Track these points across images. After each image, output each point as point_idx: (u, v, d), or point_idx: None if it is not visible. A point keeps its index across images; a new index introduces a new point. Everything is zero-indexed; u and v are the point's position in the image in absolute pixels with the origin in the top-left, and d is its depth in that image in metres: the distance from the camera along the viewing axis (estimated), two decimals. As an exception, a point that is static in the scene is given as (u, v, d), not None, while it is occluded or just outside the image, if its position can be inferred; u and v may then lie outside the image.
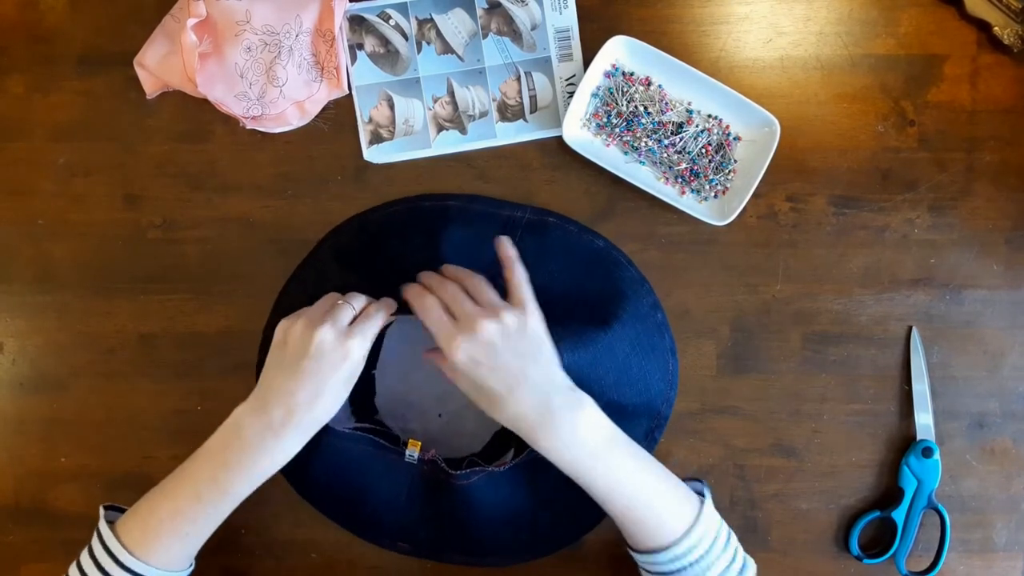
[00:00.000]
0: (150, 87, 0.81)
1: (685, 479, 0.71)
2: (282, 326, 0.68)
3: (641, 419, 0.79)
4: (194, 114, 0.82)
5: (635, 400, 0.78)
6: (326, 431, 0.72)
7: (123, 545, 0.67)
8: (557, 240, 0.80)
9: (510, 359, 0.65)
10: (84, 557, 0.70)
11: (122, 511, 0.72)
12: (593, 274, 0.80)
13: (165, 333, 0.82)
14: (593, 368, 0.74)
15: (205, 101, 0.81)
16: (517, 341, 0.65)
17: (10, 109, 0.82)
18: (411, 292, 0.69)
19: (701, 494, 0.70)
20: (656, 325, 0.81)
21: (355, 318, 0.69)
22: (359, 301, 0.70)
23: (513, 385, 0.65)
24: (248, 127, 0.80)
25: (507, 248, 0.70)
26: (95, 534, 0.70)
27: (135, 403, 0.83)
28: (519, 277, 0.68)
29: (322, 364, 0.65)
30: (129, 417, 0.83)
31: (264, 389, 0.68)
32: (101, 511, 0.72)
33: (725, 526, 0.70)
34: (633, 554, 0.70)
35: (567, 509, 0.77)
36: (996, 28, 0.79)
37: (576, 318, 0.76)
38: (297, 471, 0.78)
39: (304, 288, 0.81)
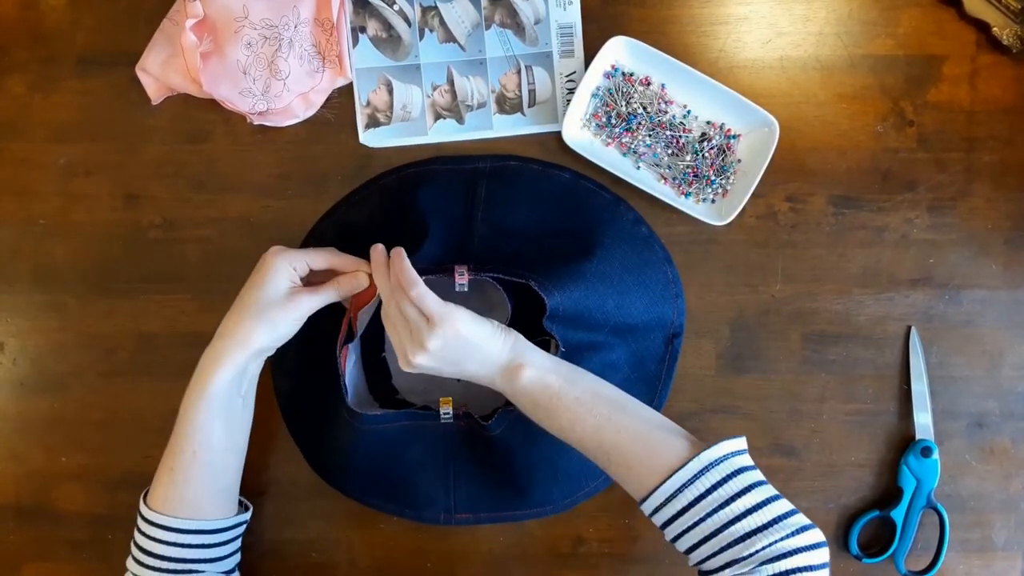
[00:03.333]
0: (155, 92, 0.81)
1: (725, 440, 0.64)
2: None
3: (655, 332, 0.80)
4: (194, 114, 0.82)
5: (644, 317, 0.79)
6: (359, 420, 0.74)
7: (145, 503, 0.72)
8: (524, 183, 0.80)
9: (451, 368, 0.70)
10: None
11: None
12: (566, 207, 0.80)
13: (165, 333, 0.82)
14: (590, 299, 0.75)
15: (205, 101, 0.81)
16: (445, 356, 0.68)
17: (11, 109, 0.82)
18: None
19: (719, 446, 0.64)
20: (643, 239, 0.81)
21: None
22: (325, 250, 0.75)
23: (465, 376, 0.71)
24: (255, 123, 0.81)
25: (393, 261, 0.70)
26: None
27: (135, 403, 0.83)
28: (418, 294, 0.67)
29: (251, 280, 0.72)
30: (130, 417, 0.83)
31: None
32: None
33: (747, 479, 0.62)
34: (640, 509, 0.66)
35: None
36: (995, 29, 0.79)
37: (559, 255, 0.76)
38: (342, 469, 0.79)
39: None
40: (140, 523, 0.72)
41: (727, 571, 0.59)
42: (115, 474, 0.83)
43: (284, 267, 0.71)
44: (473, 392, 0.76)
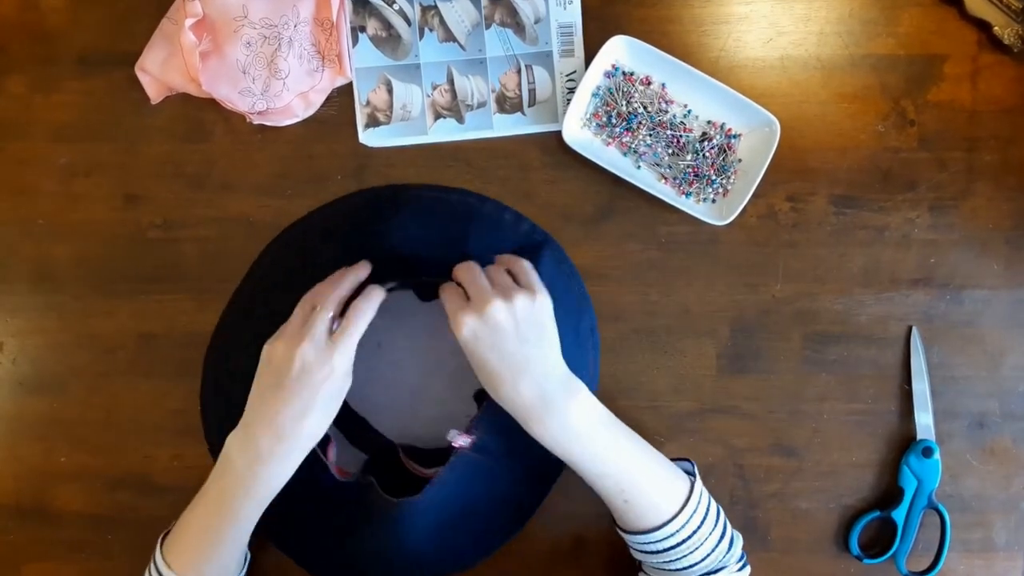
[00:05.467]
0: (154, 92, 0.81)
1: (673, 460, 0.72)
2: (266, 349, 0.66)
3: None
4: (194, 114, 0.82)
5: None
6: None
7: (166, 562, 0.69)
8: (420, 206, 0.80)
9: (514, 344, 0.64)
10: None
11: None
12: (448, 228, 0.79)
13: (165, 333, 0.82)
14: None
15: (205, 101, 0.81)
16: (523, 325, 0.64)
17: (11, 109, 0.82)
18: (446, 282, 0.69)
19: (691, 474, 0.71)
20: (575, 289, 0.81)
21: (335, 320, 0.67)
22: (332, 304, 0.67)
23: (514, 371, 0.64)
24: (255, 123, 0.80)
25: (501, 257, 0.71)
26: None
27: (135, 403, 0.83)
28: (523, 265, 0.69)
29: (306, 382, 0.64)
30: (129, 417, 0.83)
31: (250, 415, 0.66)
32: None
33: (714, 502, 0.71)
34: (623, 535, 0.71)
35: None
36: (996, 28, 0.79)
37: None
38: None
39: (252, 294, 0.81)
40: None
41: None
42: (114, 474, 0.83)
43: (350, 366, 0.65)
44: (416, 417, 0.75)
